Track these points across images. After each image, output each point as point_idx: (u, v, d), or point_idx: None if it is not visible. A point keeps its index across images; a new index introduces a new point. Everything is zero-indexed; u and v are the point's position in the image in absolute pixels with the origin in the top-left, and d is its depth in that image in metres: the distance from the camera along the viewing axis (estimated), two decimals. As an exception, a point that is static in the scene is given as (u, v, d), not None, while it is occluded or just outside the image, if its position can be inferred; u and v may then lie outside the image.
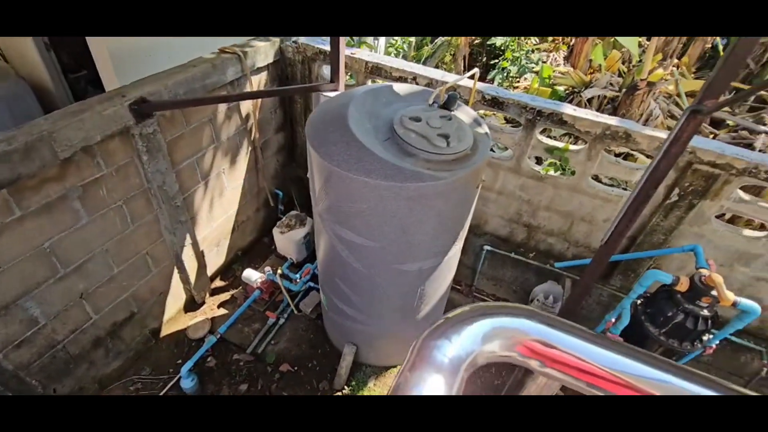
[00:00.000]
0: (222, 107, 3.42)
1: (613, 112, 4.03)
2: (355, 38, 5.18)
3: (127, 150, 2.72)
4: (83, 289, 2.80)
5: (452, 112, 2.54)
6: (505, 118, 5.00)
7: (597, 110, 4.23)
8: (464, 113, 2.63)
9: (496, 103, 3.19)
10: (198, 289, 3.80)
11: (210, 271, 3.98)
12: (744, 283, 3.22)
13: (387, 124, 2.34)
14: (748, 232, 3.05)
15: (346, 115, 2.30)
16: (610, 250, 2.90)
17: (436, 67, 5.55)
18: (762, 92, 4.69)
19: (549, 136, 4.27)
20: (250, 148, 3.93)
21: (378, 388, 3.47)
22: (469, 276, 4.39)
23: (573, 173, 3.32)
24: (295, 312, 3.89)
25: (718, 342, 2.76)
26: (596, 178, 3.74)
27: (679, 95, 4.73)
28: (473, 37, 5.55)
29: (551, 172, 3.41)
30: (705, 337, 2.66)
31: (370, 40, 5.51)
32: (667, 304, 2.66)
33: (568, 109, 3.03)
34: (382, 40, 5.81)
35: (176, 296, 3.67)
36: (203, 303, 3.93)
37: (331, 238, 2.58)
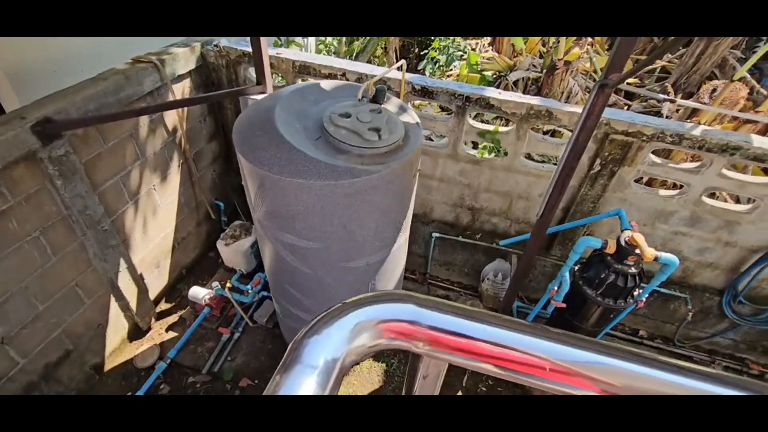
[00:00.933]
0: (143, 120, 3.22)
1: (538, 92, 4.25)
2: (283, 38, 5.06)
3: (35, 176, 2.49)
4: (4, 333, 2.54)
5: (382, 105, 2.56)
6: (441, 107, 5.12)
7: (523, 91, 4.44)
8: (394, 105, 2.65)
9: (426, 93, 3.24)
10: (141, 315, 3.58)
11: (153, 295, 3.75)
12: (665, 238, 3.53)
13: (317, 122, 2.31)
14: (663, 191, 3.34)
15: (274, 118, 2.25)
16: (545, 223, 3.07)
17: (369, 61, 5.56)
18: (665, 63, 5.14)
19: (482, 121, 4.42)
20: (181, 161, 3.74)
21: (344, 387, 3.46)
22: (422, 264, 4.47)
23: (506, 154, 3.46)
24: (250, 324, 3.77)
25: (647, 295, 3.00)
26: (529, 156, 3.92)
27: (595, 71, 5.06)
28: (401, 29, 5.62)
29: (486, 155, 3.54)
30: (636, 293, 2.89)
31: (299, 38, 5.41)
32: (599, 267, 2.86)
33: (494, 93, 3.15)
34: (312, 38, 5.72)
35: (117, 326, 3.44)
36: (149, 329, 3.71)
37: (274, 244, 2.52)
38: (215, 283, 3.70)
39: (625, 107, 4.34)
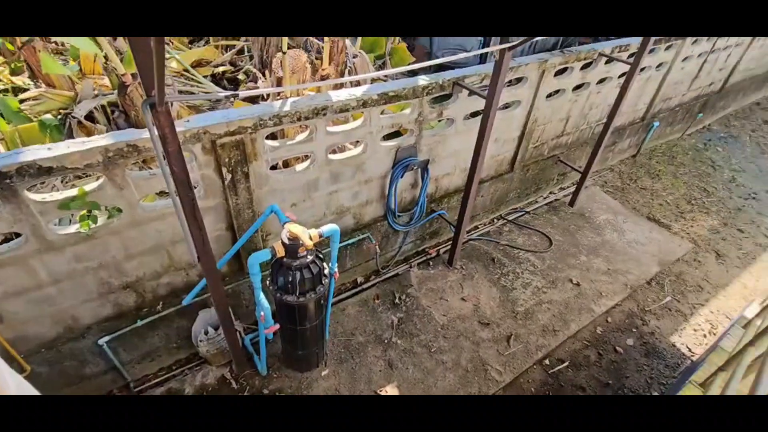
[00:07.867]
0: None
1: (127, 119, 3.51)
2: None
3: None
4: None
5: None
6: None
7: (109, 123, 3.57)
8: None
9: None
10: None
11: None
12: (327, 201, 3.72)
13: None
14: (299, 166, 3.42)
15: None
16: (210, 259, 2.63)
17: None
18: (245, 43, 5.25)
19: (81, 180, 3.36)
20: None
21: None
22: (115, 379, 3.34)
23: (120, 210, 2.70)
24: None
25: (336, 265, 3.11)
26: (162, 193, 3.27)
27: (186, 70, 4.66)
28: None
29: (95, 224, 2.67)
30: (326, 271, 2.91)
31: None
32: (284, 272, 2.70)
33: (42, 153, 2.24)
34: None
35: None
36: None
37: None
38: None
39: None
